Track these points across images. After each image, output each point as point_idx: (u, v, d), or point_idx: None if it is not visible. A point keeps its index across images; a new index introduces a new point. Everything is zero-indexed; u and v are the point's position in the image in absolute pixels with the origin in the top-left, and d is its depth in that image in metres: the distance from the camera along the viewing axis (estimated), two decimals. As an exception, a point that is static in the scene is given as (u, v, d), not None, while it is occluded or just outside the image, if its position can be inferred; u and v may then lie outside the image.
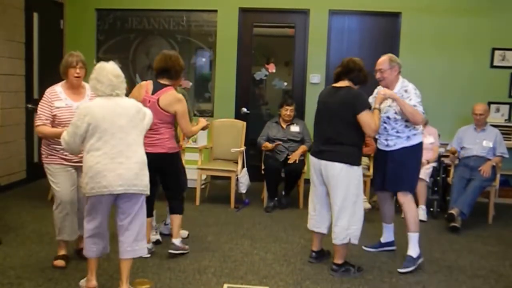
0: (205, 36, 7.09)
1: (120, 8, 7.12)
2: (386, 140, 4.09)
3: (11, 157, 6.04)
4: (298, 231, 4.92)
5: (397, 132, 4.04)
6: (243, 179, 5.80)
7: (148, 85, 4.00)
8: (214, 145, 6.27)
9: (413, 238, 4.08)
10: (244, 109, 7.04)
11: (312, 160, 3.96)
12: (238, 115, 6.95)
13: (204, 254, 4.22)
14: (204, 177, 6.15)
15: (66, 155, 3.72)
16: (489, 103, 6.43)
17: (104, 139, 3.14)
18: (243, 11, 6.95)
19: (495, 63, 6.65)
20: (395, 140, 4.06)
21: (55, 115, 3.70)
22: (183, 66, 4.09)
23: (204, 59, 7.21)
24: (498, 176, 5.62)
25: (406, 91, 4.04)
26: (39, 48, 6.53)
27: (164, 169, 4.02)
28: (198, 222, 5.09)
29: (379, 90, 4.05)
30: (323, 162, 3.81)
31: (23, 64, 6.25)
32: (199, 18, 7.07)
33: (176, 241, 4.12)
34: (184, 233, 4.56)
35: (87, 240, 3.30)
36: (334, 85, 3.93)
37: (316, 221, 4.04)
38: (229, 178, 5.83)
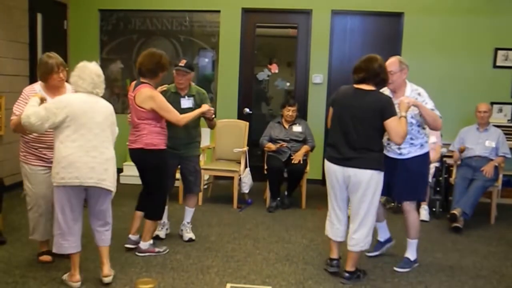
0: (208, 37, 7.11)
1: (123, 9, 7.14)
2: (399, 148, 3.92)
3: (15, 157, 5.99)
4: (300, 231, 4.94)
5: (411, 138, 3.89)
6: (246, 179, 5.82)
7: (132, 84, 4.15)
8: (217, 145, 6.29)
9: (413, 244, 4.12)
10: (247, 110, 7.06)
11: (332, 167, 3.71)
12: (241, 116, 6.97)
13: (207, 254, 4.24)
14: (207, 177, 6.17)
15: (44, 154, 3.69)
16: (492, 104, 6.42)
17: (80, 132, 3.32)
18: (246, 11, 6.96)
19: (498, 63, 6.65)
20: (409, 148, 3.92)
21: None
22: (160, 64, 4.00)
23: (207, 60, 7.23)
24: (500, 176, 5.62)
25: (419, 94, 3.93)
26: (43, 49, 6.55)
27: (141, 165, 4.06)
28: (201, 222, 5.11)
29: (402, 98, 3.81)
30: (351, 169, 3.59)
31: (27, 65, 6.28)
32: (201, 18, 7.09)
33: (143, 244, 4.13)
34: (187, 236, 4.56)
35: (57, 237, 3.43)
36: (359, 87, 3.67)
37: (341, 231, 3.82)
38: (231, 178, 5.85)
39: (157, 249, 4.19)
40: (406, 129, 3.63)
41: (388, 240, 4.39)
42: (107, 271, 3.53)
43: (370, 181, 3.58)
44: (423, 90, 3.99)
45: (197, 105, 4.43)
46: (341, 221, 3.81)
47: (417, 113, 3.86)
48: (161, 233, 4.59)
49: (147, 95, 3.93)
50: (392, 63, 3.90)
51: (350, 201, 3.75)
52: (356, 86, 3.69)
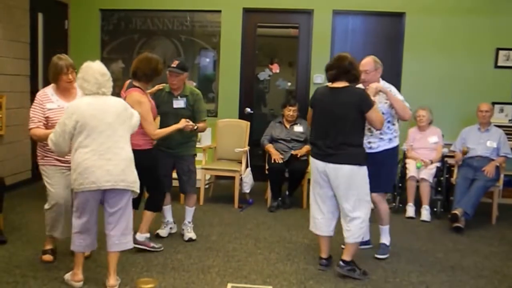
0: (209, 37, 7.10)
1: (124, 9, 7.14)
2: (369, 142, 4.11)
3: (16, 157, 6.07)
4: (301, 231, 4.94)
5: (380, 133, 4.09)
6: (247, 179, 5.81)
7: (126, 83, 4.24)
8: (218, 145, 6.29)
9: (386, 230, 4.31)
10: (248, 109, 7.06)
11: (315, 162, 3.83)
12: (242, 115, 6.96)
13: (208, 253, 4.24)
14: (208, 177, 6.17)
15: (62, 157, 3.72)
16: (493, 104, 6.39)
17: (92, 136, 3.28)
18: (247, 11, 6.96)
19: (499, 63, 6.64)
20: (378, 143, 4.12)
21: (47, 117, 3.72)
22: (156, 70, 4.09)
23: (208, 60, 7.23)
24: (502, 176, 5.62)
25: (390, 91, 4.10)
26: (44, 49, 6.56)
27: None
28: (202, 221, 5.11)
29: (370, 84, 4.01)
30: (331, 165, 3.70)
31: (28, 64, 6.28)
32: (203, 18, 7.09)
33: (139, 236, 4.17)
34: (187, 235, 4.54)
35: (75, 236, 3.42)
36: (332, 85, 3.82)
37: (323, 225, 3.90)
38: (233, 178, 5.85)
39: (152, 244, 4.21)
40: (380, 114, 3.85)
41: (365, 243, 4.34)
42: (113, 281, 3.44)
43: (351, 176, 3.68)
44: (394, 88, 4.20)
45: (190, 106, 4.42)
46: (323, 213, 3.88)
47: (387, 107, 4.07)
48: (162, 232, 4.61)
49: (136, 99, 4.00)
50: (367, 62, 4.13)
51: (337, 196, 3.79)
52: (330, 85, 3.83)
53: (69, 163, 3.61)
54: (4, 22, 5.80)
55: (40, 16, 6.50)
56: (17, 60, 6.08)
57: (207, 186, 6.14)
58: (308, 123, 4.07)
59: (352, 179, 3.69)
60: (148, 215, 4.21)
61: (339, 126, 3.69)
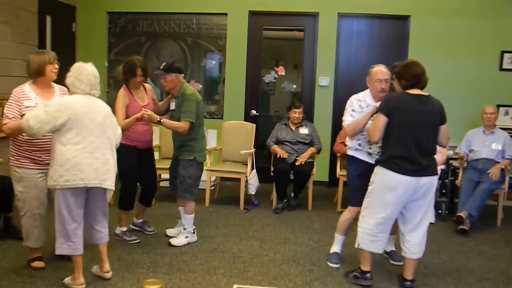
0: (215, 39, 7.14)
1: (131, 12, 7.19)
2: (370, 148, 3.92)
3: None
4: (307, 233, 4.96)
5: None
6: (252, 180, 5.84)
7: None
8: (224, 146, 6.32)
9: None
10: (254, 111, 7.08)
11: (405, 180, 3.44)
12: (248, 117, 6.99)
13: (214, 255, 4.26)
14: (213, 178, 6.20)
15: (39, 157, 3.62)
16: (498, 106, 6.40)
17: (83, 134, 3.34)
18: (253, 14, 6.99)
19: (504, 66, 6.64)
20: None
21: (24, 114, 3.48)
22: (122, 74, 4.55)
23: (214, 62, 7.26)
24: (507, 179, 5.61)
25: None
26: (51, 51, 6.60)
27: None
28: (208, 223, 5.14)
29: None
30: (427, 178, 3.49)
31: (35, 66, 6.33)
32: (209, 21, 7.13)
33: (118, 229, 4.56)
34: (171, 240, 4.51)
35: (62, 239, 3.43)
36: (415, 93, 3.59)
37: (384, 243, 3.70)
38: (238, 179, 5.87)
39: (124, 237, 4.50)
40: None
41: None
42: (108, 267, 3.64)
43: (434, 187, 3.62)
44: None
45: (179, 107, 4.38)
46: (386, 234, 3.68)
47: None
48: (170, 231, 4.70)
49: (117, 94, 4.43)
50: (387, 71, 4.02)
51: (413, 209, 3.59)
52: (412, 92, 3.60)
53: (47, 166, 3.52)
54: (12, 25, 5.86)
55: (48, 19, 6.54)
56: (25, 62, 6.10)
57: (212, 188, 6.17)
58: (377, 133, 3.59)
59: (434, 190, 3.64)
60: (120, 213, 4.53)
61: (431, 136, 3.56)
